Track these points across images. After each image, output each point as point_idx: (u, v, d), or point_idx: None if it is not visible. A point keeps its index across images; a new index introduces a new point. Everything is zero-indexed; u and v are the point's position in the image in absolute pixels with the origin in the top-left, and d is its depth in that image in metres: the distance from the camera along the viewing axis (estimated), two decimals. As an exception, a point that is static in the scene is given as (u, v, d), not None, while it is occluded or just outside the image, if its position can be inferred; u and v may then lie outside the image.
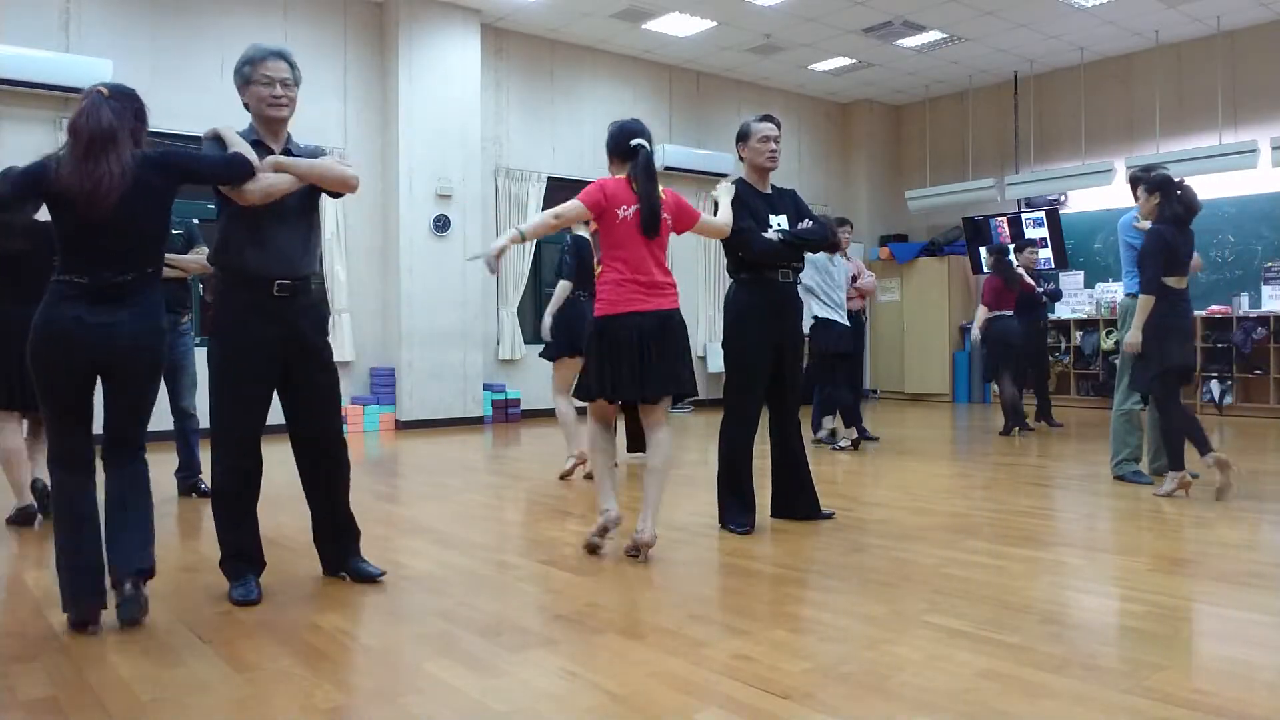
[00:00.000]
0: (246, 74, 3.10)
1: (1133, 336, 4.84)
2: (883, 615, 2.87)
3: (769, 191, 4.24)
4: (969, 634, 2.66)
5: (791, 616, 2.89)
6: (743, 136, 4.25)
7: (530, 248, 10.02)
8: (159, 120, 9.03)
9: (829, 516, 4.31)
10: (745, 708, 2.16)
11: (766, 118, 4.24)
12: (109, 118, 2.70)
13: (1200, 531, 4.02)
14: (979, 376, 11.74)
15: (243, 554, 3.15)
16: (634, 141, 3.63)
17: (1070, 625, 2.77)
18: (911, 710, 2.13)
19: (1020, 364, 8.04)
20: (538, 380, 10.11)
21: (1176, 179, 4.87)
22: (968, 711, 2.12)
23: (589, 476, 5.39)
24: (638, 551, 3.57)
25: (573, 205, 3.57)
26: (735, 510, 4.11)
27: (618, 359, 3.50)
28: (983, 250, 9.89)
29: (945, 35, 10.15)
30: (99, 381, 2.84)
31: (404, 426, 8.96)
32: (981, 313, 7.90)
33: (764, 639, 2.67)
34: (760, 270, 4.08)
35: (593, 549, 3.70)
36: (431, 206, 9.08)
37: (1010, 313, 7.85)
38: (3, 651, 2.64)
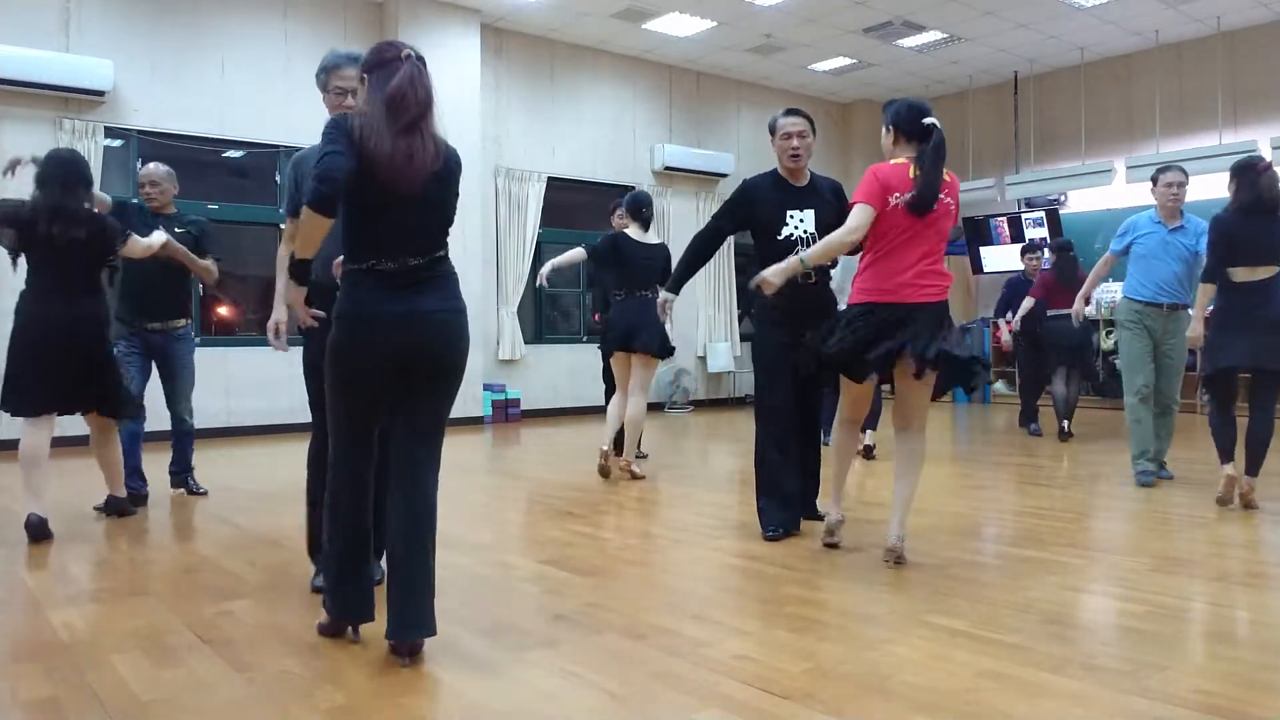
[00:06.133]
0: (323, 81, 3.11)
1: (1193, 330, 4.74)
2: (883, 615, 2.87)
3: (802, 184, 4.02)
4: (969, 634, 2.66)
5: (791, 616, 2.89)
6: (770, 131, 4.07)
7: (531, 248, 10.02)
8: (158, 120, 9.02)
9: (819, 518, 4.14)
10: (745, 708, 2.16)
11: (792, 111, 4.02)
12: (429, 87, 2.47)
13: (1200, 531, 4.02)
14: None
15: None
16: (926, 121, 3.39)
17: (1070, 625, 2.77)
18: (911, 710, 2.13)
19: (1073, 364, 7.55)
20: (538, 380, 10.12)
21: (1262, 164, 4.44)
22: (968, 711, 2.12)
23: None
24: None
25: (863, 211, 3.36)
26: (770, 513, 3.99)
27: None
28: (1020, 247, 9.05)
29: (945, 35, 10.15)
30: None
31: (404, 426, 8.95)
32: (1026, 304, 7.57)
33: (764, 639, 2.67)
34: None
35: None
36: (431, 206, 9.06)
37: (1066, 311, 7.23)
38: (3, 651, 2.64)
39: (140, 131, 7.87)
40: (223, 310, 12.25)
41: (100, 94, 7.54)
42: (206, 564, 3.64)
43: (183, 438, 5.09)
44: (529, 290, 10.25)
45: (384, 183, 2.37)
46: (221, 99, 8.23)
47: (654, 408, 10.79)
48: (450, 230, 2.60)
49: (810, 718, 2.11)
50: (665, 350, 5.72)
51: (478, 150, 9.43)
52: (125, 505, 4.55)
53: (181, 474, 5.19)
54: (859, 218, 3.35)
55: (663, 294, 4.31)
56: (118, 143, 7.85)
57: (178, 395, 5.00)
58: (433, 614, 2.49)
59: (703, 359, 11.56)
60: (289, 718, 2.15)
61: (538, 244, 10.07)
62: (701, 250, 4.20)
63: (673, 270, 4.45)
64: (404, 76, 2.42)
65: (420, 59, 2.50)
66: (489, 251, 9.84)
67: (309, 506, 3.19)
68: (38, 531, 3.97)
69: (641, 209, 5.74)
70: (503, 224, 9.91)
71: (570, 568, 3.52)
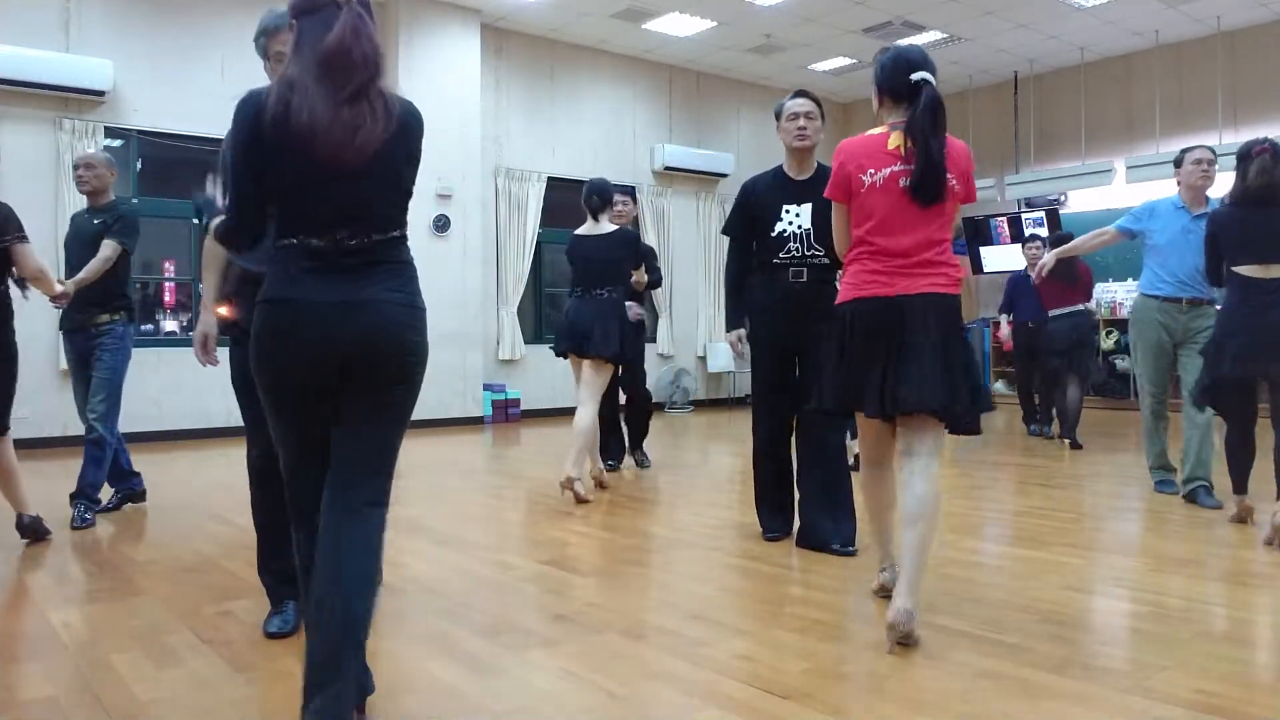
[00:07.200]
0: (261, 46, 2.83)
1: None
2: (882, 615, 2.87)
3: (805, 177, 3.80)
4: (969, 634, 2.66)
5: (791, 616, 2.89)
6: (776, 116, 3.85)
7: (531, 248, 10.03)
8: (158, 120, 9.01)
9: (849, 554, 3.64)
10: (745, 708, 2.16)
11: (799, 93, 3.81)
12: (376, 42, 1.97)
13: (1200, 531, 4.02)
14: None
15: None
16: (915, 76, 2.72)
17: (1070, 625, 2.77)
18: (911, 710, 2.13)
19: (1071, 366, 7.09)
20: (538, 380, 10.12)
21: (1259, 148, 4.00)
22: (968, 711, 2.12)
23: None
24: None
25: (834, 212, 2.87)
26: (763, 516, 3.98)
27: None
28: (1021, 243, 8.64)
29: (945, 35, 10.15)
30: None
31: (404, 426, 8.95)
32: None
33: (764, 639, 2.67)
34: (768, 270, 3.83)
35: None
36: (431, 206, 9.08)
37: (1066, 310, 7.01)
38: (3, 651, 2.64)
39: (140, 131, 7.87)
40: (222, 310, 12.24)
41: (100, 94, 7.54)
42: (206, 564, 3.64)
43: (89, 448, 4.43)
44: (529, 290, 10.26)
45: (321, 159, 1.91)
46: (221, 99, 8.18)
47: (654, 408, 10.79)
48: (407, 205, 2.10)
49: (810, 718, 2.11)
50: (621, 355, 5.08)
51: (478, 150, 9.44)
52: (38, 526, 4.02)
53: (76, 496, 4.42)
54: (834, 219, 2.88)
55: (730, 334, 4.01)
56: (118, 143, 7.84)
57: (88, 396, 4.47)
58: (358, 696, 2.01)
59: (703, 359, 11.56)
60: (289, 717, 2.15)
61: (538, 244, 10.07)
62: (733, 275, 4.00)
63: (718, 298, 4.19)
64: (344, 29, 1.91)
65: (364, 3, 1.98)
66: (489, 251, 9.84)
67: (256, 528, 2.86)
68: (29, 531, 3.94)
69: (590, 197, 5.16)
70: (503, 224, 9.91)
71: (570, 568, 3.52)
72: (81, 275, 4.31)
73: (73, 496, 4.42)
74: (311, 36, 1.94)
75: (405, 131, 2.03)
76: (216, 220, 2.14)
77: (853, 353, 2.70)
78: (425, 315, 2.07)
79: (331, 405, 2.01)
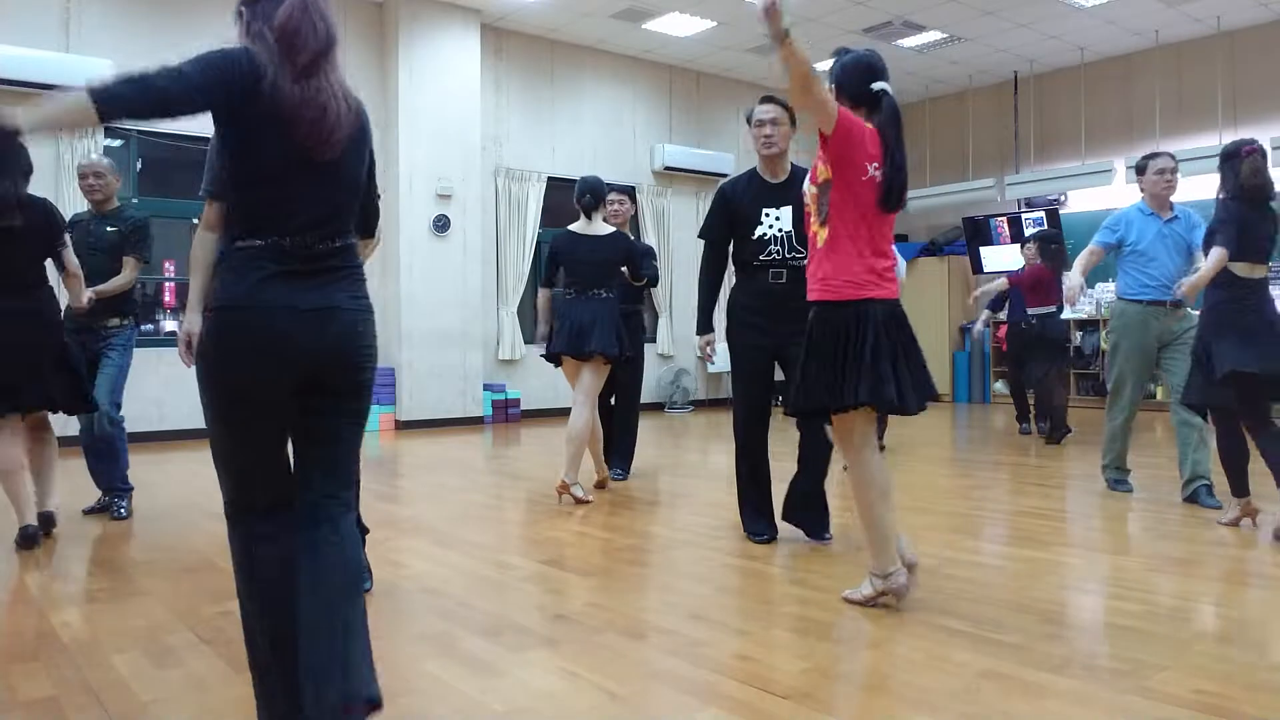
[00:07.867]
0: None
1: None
2: (883, 615, 2.87)
3: (780, 179, 3.85)
4: (969, 634, 2.66)
5: (791, 616, 2.89)
6: (748, 122, 3.93)
7: (531, 248, 10.03)
8: (159, 120, 8.98)
9: (825, 540, 3.88)
10: (745, 708, 2.16)
11: (766, 99, 3.83)
12: (329, 19, 1.90)
13: (1200, 531, 4.02)
14: (982, 377, 11.77)
15: None
16: (876, 86, 2.83)
17: (1070, 625, 2.77)
18: (911, 710, 2.13)
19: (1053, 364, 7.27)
20: (538, 380, 10.12)
21: (1248, 148, 3.98)
22: (968, 711, 2.12)
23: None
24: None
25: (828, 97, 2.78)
26: (748, 518, 4.00)
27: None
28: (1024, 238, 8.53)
29: (945, 35, 10.15)
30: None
31: (404, 427, 8.96)
32: (998, 283, 7.33)
33: (764, 639, 2.67)
34: (748, 271, 3.84)
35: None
36: (431, 206, 9.08)
37: (1045, 310, 7.12)
38: (3, 651, 2.64)
39: (140, 131, 7.87)
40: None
41: (100, 94, 7.54)
42: (206, 564, 3.64)
43: (104, 443, 4.49)
44: (529, 290, 10.25)
45: (301, 140, 1.82)
46: (221, 99, 8.22)
47: (654, 408, 10.81)
48: (359, 212, 2.02)
49: (810, 718, 2.11)
50: (623, 352, 5.03)
51: (478, 150, 9.44)
52: (37, 534, 3.95)
53: (109, 491, 4.59)
54: (829, 101, 2.77)
55: (700, 338, 4.12)
56: (118, 143, 7.84)
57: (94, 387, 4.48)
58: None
59: (703, 359, 11.56)
60: (289, 718, 2.15)
61: (537, 244, 10.07)
62: (709, 278, 4.02)
63: (696, 306, 4.14)
64: (291, 5, 1.87)
65: None
66: (489, 251, 9.84)
67: None
68: (24, 540, 3.85)
69: (582, 197, 5.11)
70: (503, 224, 9.92)
71: (570, 568, 3.53)
72: (105, 287, 4.34)
73: (105, 491, 4.59)
74: (264, 19, 1.91)
75: (363, 134, 1.97)
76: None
77: (867, 348, 2.83)
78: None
79: (290, 415, 1.90)
